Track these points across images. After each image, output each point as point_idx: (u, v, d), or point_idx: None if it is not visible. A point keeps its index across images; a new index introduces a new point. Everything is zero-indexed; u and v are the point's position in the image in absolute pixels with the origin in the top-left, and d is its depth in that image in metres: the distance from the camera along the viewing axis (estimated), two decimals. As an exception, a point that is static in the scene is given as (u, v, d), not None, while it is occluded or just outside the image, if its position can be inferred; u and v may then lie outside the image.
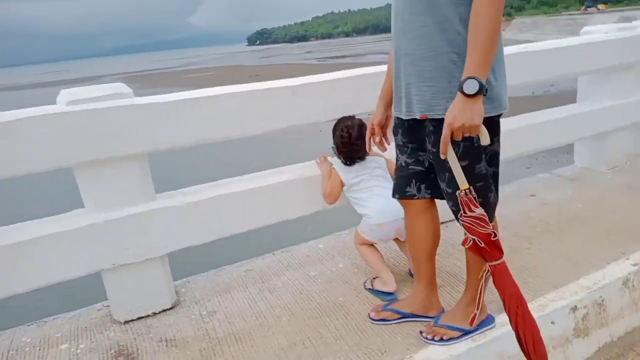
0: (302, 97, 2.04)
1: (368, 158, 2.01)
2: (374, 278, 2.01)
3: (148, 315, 1.96)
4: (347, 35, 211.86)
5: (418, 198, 1.63)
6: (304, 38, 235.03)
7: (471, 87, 1.24)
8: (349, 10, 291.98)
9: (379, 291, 1.94)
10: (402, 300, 1.82)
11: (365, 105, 2.11)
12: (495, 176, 1.53)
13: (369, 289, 2.00)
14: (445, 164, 1.42)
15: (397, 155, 1.69)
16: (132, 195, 1.82)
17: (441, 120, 1.37)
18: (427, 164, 1.60)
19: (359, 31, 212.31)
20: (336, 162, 2.05)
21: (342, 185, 2.01)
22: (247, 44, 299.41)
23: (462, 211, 1.38)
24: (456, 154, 1.38)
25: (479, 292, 1.53)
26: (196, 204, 1.92)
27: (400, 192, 1.68)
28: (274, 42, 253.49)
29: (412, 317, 1.74)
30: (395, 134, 1.68)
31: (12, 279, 1.69)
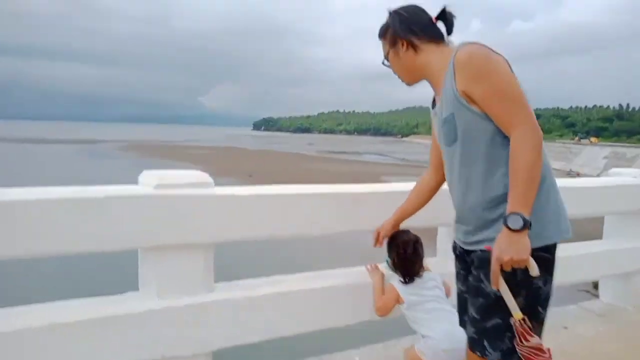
0: (363, 204, 2.12)
1: (424, 275, 2.02)
2: None
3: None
4: (348, 133, 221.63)
5: None
6: (307, 130, 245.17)
7: (516, 222, 1.30)
8: (354, 111, 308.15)
9: None
10: None
11: (418, 217, 2.16)
12: (538, 318, 1.43)
13: None
14: (482, 290, 1.46)
15: (456, 282, 1.73)
16: (193, 284, 1.80)
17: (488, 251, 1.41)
18: None
19: (361, 131, 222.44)
20: (394, 278, 2.05)
21: (399, 302, 2.00)
22: (252, 128, 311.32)
23: (518, 340, 1.37)
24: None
25: None
26: (252, 299, 1.88)
27: (462, 319, 1.68)
28: (279, 130, 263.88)
29: None
30: (454, 259, 1.74)
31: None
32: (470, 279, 1.55)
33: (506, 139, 1.40)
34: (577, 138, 71.09)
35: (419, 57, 1.57)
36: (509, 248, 1.31)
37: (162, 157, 36.64)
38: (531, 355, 1.35)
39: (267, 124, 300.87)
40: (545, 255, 1.42)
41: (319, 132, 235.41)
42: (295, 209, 1.97)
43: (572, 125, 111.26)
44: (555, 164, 37.52)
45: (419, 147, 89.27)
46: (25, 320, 1.58)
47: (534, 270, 1.34)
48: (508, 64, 1.41)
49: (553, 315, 3.04)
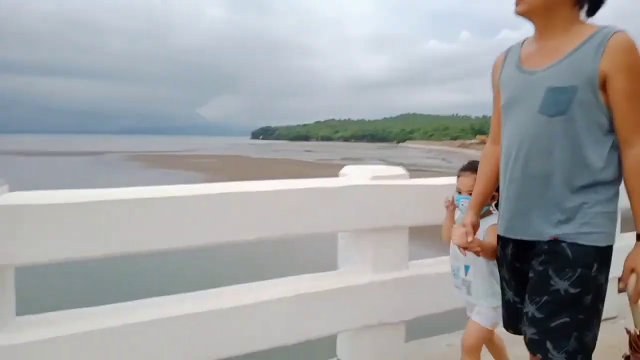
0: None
1: None
2: None
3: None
4: (345, 140, 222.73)
5: None
6: (305, 138, 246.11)
7: None
8: (349, 119, 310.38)
9: None
10: None
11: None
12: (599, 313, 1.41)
13: None
14: (549, 287, 1.36)
15: (503, 288, 1.62)
16: (397, 261, 2.09)
17: (559, 240, 1.36)
18: None
19: (357, 138, 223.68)
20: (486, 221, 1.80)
21: None
22: (250, 137, 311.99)
23: (634, 350, 1.40)
24: (570, 279, 1.33)
25: None
26: (439, 275, 2.14)
27: (514, 327, 1.57)
28: (277, 138, 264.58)
29: None
30: (499, 265, 1.64)
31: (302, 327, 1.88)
32: (531, 274, 1.43)
33: (615, 142, 1.37)
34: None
35: (570, 7, 1.41)
36: None
37: (168, 166, 36.84)
38: None
39: (265, 133, 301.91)
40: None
41: (316, 139, 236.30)
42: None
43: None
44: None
45: (414, 151, 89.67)
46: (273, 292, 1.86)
47: None
48: None
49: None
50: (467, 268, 1.86)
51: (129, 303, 1.68)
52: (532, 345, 1.40)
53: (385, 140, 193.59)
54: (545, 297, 1.36)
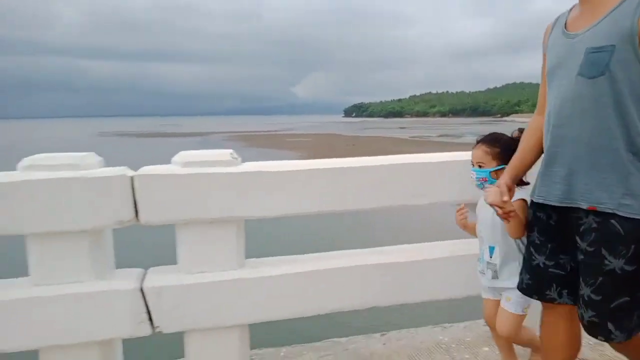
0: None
1: None
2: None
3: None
4: (443, 115, 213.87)
5: (559, 303, 1.49)
6: (399, 114, 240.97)
7: None
8: (447, 91, 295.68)
9: None
10: None
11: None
12: None
13: None
14: (603, 267, 1.30)
15: (531, 254, 1.53)
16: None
17: (608, 215, 1.29)
18: (569, 268, 1.44)
19: (456, 112, 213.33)
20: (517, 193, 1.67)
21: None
22: (343, 115, 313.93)
23: None
24: (625, 256, 1.27)
25: None
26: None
27: (539, 293, 1.52)
28: (370, 115, 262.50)
29: None
30: (529, 230, 1.56)
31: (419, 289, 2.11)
32: (581, 255, 1.37)
33: None
34: None
35: None
36: None
37: (266, 146, 38.90)
38: None
39: (357, 110, 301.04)
40: None
41: (411, 115, 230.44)
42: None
43: None
44: None
45: (521, 126, 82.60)
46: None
47: None
48: None
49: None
50: (491, 250, 1.78)
51: (326, 253, 2.10)
52: (593, 328, 1.37)
53: (487, 114, 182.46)
54: (600, 278, 1.31)
